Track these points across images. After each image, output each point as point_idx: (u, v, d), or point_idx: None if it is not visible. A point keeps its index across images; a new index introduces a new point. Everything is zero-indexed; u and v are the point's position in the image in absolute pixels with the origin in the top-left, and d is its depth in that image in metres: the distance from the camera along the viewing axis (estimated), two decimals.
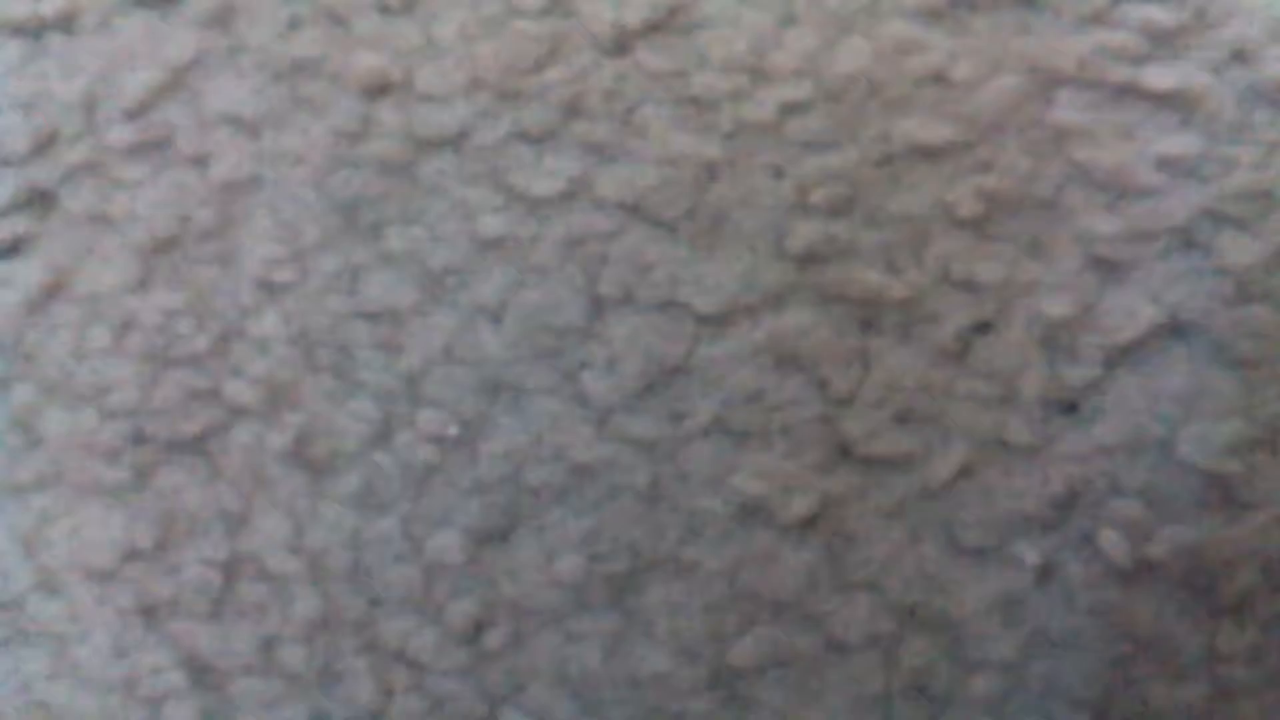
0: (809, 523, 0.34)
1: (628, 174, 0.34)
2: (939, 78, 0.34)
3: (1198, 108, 0.33)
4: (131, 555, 0.35)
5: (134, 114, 0.34)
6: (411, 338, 0.34)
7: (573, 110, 0.34)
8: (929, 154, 0.34)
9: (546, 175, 0.34)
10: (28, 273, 0.34)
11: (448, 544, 0.34)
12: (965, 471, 0.34)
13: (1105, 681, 0.34)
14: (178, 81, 0.34)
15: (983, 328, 0.34)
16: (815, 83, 0.34)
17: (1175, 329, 0.33)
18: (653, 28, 0.34)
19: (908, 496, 0.34)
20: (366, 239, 0.34)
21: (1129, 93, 0.33)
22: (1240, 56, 0.33)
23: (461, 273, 0.34)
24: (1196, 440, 0.33)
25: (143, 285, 0.34)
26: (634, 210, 0.34)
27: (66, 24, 0.35)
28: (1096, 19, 0.33)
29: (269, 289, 0.35)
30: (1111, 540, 0.33)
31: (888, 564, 0.34)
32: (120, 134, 0.34)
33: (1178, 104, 0.33)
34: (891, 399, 0.34)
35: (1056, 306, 0.34)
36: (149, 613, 0.35)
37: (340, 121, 0.34)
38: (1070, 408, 0.34)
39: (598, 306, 0.34)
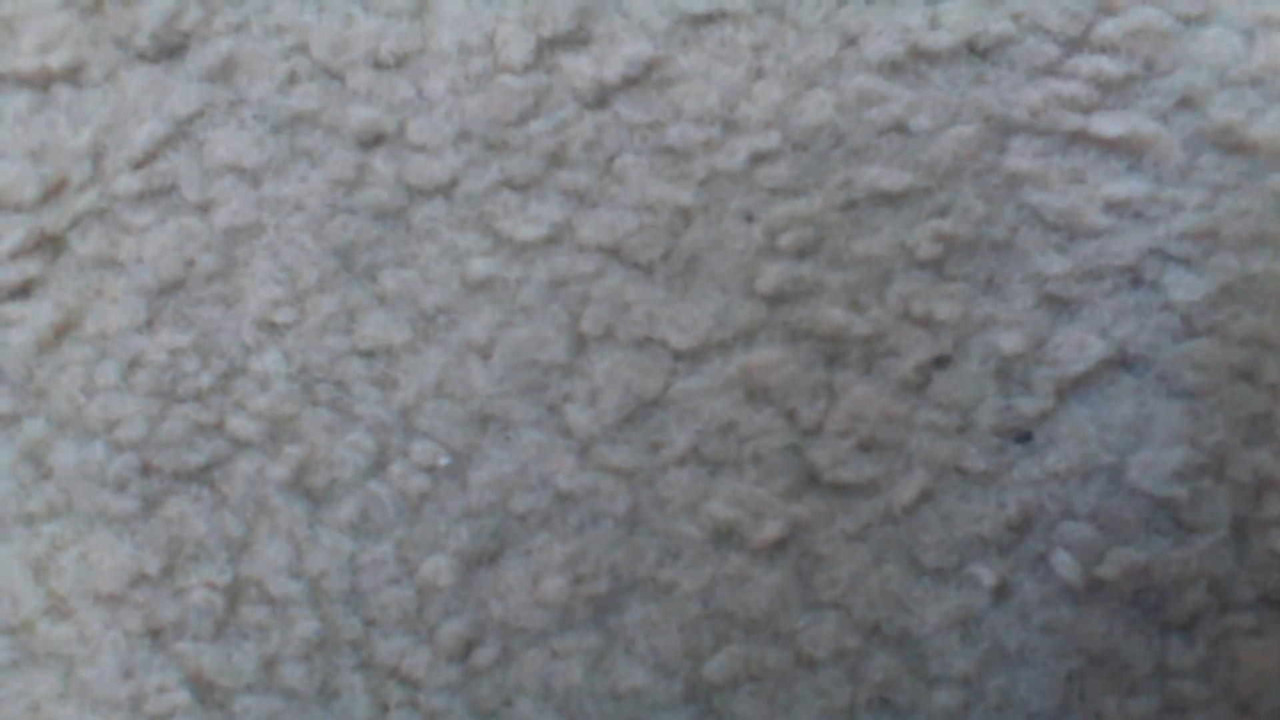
0: (779, 546, 0.35)
1: (608, 219, 0.35)
2: (899, 127, 0.35)
3: (1145, 153, 0.35)
4: (139, 580, 0.35)
5: (140, 163, 0.36)
6: (405, 374, 0.35)
7: (556, 160, 0.35)
8: (890, 199, 0.35)
9: (531, 221, 0.35)
10: (39, 313, 0.36)
11: (440, 567, 0.35)
12: (925, 497, 0.35)
13: (1059, 695, 0.35)
14: (182, 132, 0.36)
15: (941, 362, 0.35)
16: (783, 133, 0.35)
17: (1124, 362, 0.35)
18: (631, 82, 0.35)
19: (872, 521, 0.35)
20: (362, 281, 0.36)
21: (1079, 140, 0.35)
22: (1187, 103, 0.35)
23: (452, 312, 0.35)
24: (1144, 467, 0.34)
25: (149, 325, 0.36)
26: (614, 253, 0.35)
27: (74, 77, 0.36)
28: (1048, 70, 0.35)
29: (270, 328, 0.36)
30: (1064, 561, 0.34)
31: (853, 584, 0.35)
32: (127, 182, 0.36)
33: (1126, 150, 0.35)
34: (856, 429, 0.35)
35: (1011, 341, 0.35)
36: (155, 635, 0.36)
37: (337, 171, 0.35)
38: (1024, 437, 0.35)
39: (580, 344, 0.35)
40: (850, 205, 0.35)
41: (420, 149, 0.36)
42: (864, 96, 0.35)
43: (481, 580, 0.36)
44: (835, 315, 0.35)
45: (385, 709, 0.36)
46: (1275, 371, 0.35)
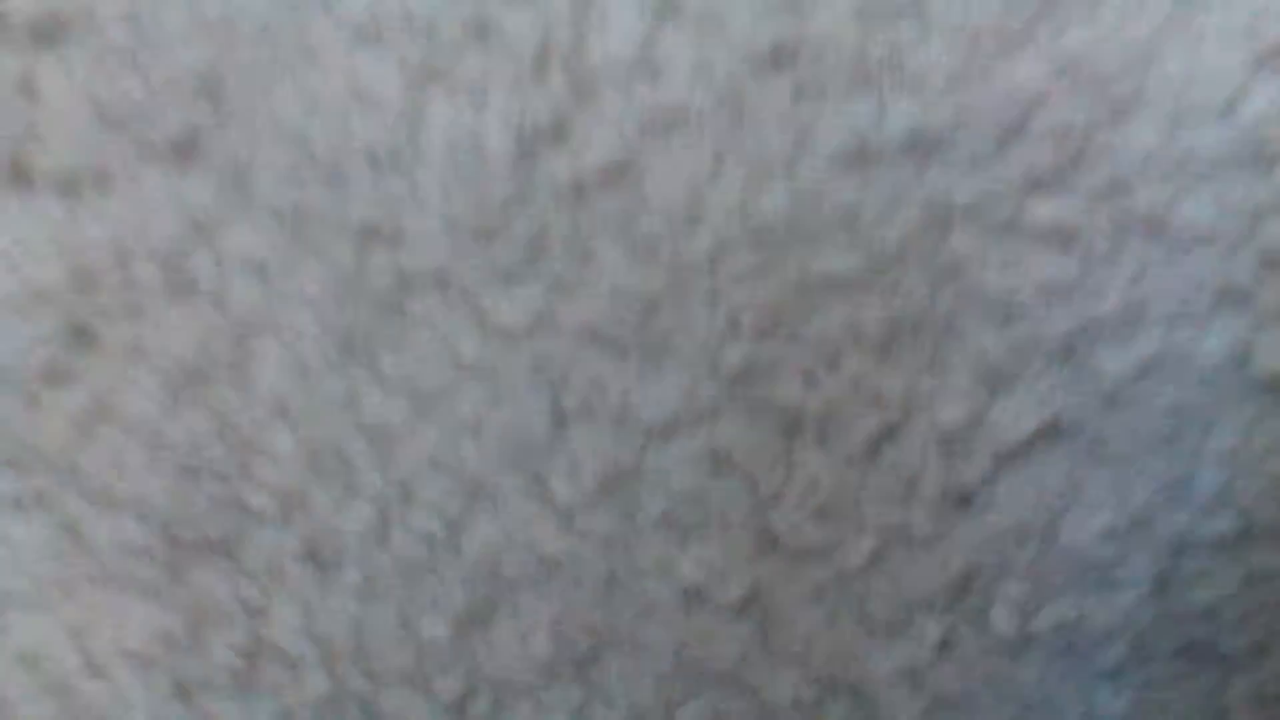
0: (742, 605, 0.37)
1: (585, 305, 0.37)
2: (849, 216, 0.36)
3: (1076, 237, 0.36)
4: (167, 642, 0.37)
5: (161, 259, 0.37)
6: (403, 450, 0.37)
7: (538, 250, 0.37)
8: (841, 284, 0.36)
9: (516, 307, 0.37)
10: (73, 399, 0.38)
11: (436, 628, 0.37)
12: (875, 559, 0.36)
13: None
14: (198, 230, 0.37)
15: (889, 434, 0.37)
16: (743, 223, 0.36)
17: (1056, 431, 0.36)
18: (605, 178, 0.37)
19: (827, 581, 0.37)
20: (363, 365, 0.37)
21: (1015, 226, 0.36)
22: (1114, 190, 0.36)
23: (445, 393, 0.37)
24: (1075, 528, 0.36)
25: (172, 409, 0.37)
26: (591, 336, 0.37)
27: (101, 180, 0.38)
28: (986, 161, 0.36)
29: (281, 410, 0.37)
30: (1002, 616, 0.36)
31: (810, 639, 0.37)
32: (150, 277, 0.37)
33: (1058, 234, 0.36)
34: (812, 497, 0.37)
35: (952, 414, 0.37)
36: (183, 692, 0.38)
37: (339, 263, 0.37)
38: (965, 501, 0.37)
39: (561, 420, 0.37)
40: (805, 289, 0.37)
41: (414, 242, 0.37)
42: (817, 188, 0.37)
43: (475, 639, 0.38)
44: (792, 392, 0.37)
45: None
46: (1195, 439, 0.37)
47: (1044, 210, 0.37)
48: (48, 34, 0.38)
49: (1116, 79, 0.37)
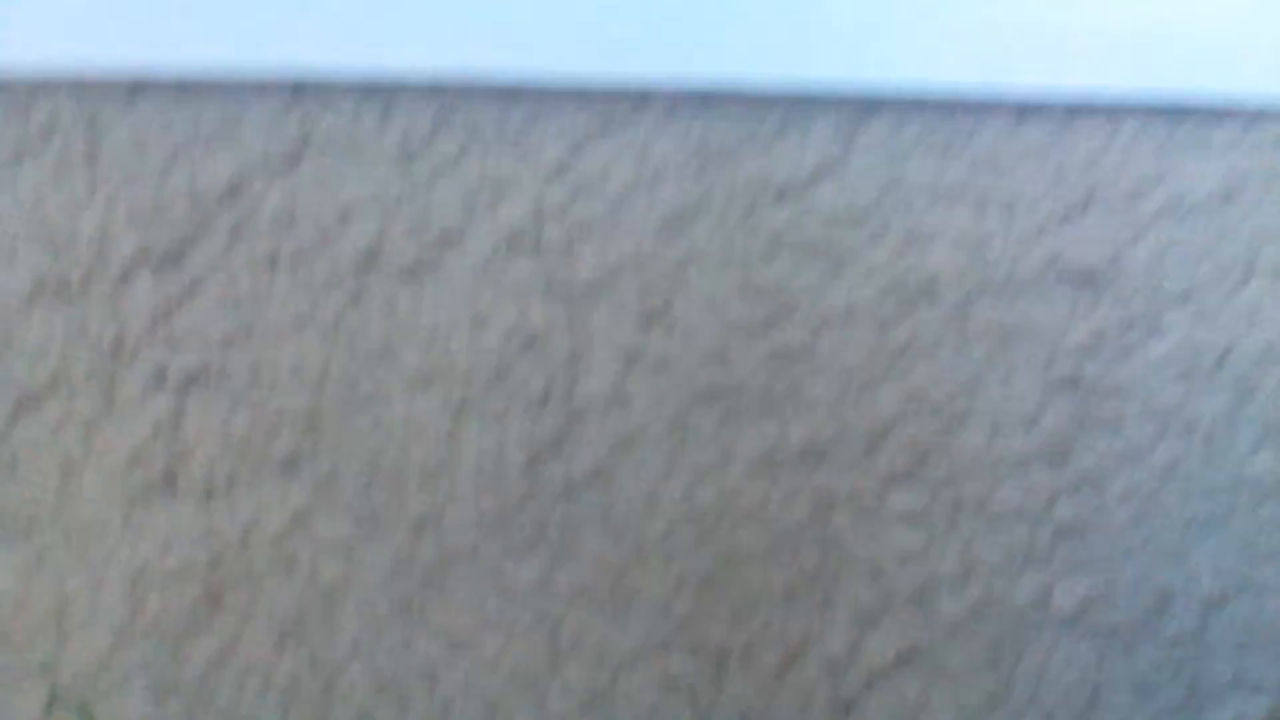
0: None
1: (577, 570, 0.44)
2: (761, 504, 0.43)
3: (923, 517, 0.43)
4: None
5: (272, 543, 0.45)
6: (444, 677, 0.45)
7: (541, 532, 0.45)
8: (756, 554, 0.43)
9: (525, 573, 0.45)
10: (206, 645, 0.45)
11: None
12: None
13: None
14: (299, 521, 0.45)
15: (792, 660, 0.43)
16: (687, 512, 0.44)
17: (911, 657, 0.43)
18: (589, 480, 0.45)
19: None
20: (415, 618, 0.45)
21: (879, 510, 0.43)
22: (951, 482, 0.43)
23: (474, 637, 0.45)
24: None
25: (278, 653, 0.45)
26: (579, 593, 0.43)
27: (229, 487, 0.47)
28: (858, 464, 0.44)
29: (357, 651, 0.45)
30: None
31: None
32: (263, 556, 0.45)
33: (909, 516, 0.43)
34: (737, 707, 0.43)
35: (836, 645, 0.43)
36: None
37: (399, 544, 0.44)
38: (847, 709, 0.44)
39: (557, 655, 0.44)
40: (731, 559, 0.44)
41: (453, 528, 0.44)
42: (736, 486, 0.44)
43: None
44: (722, 631, 0.43)
45: None
46: (1010, 661, 0.43)
47: (900, 498, 0.43)
48: (191, 382, 0.45)
49: (951, 403, 0.44)
